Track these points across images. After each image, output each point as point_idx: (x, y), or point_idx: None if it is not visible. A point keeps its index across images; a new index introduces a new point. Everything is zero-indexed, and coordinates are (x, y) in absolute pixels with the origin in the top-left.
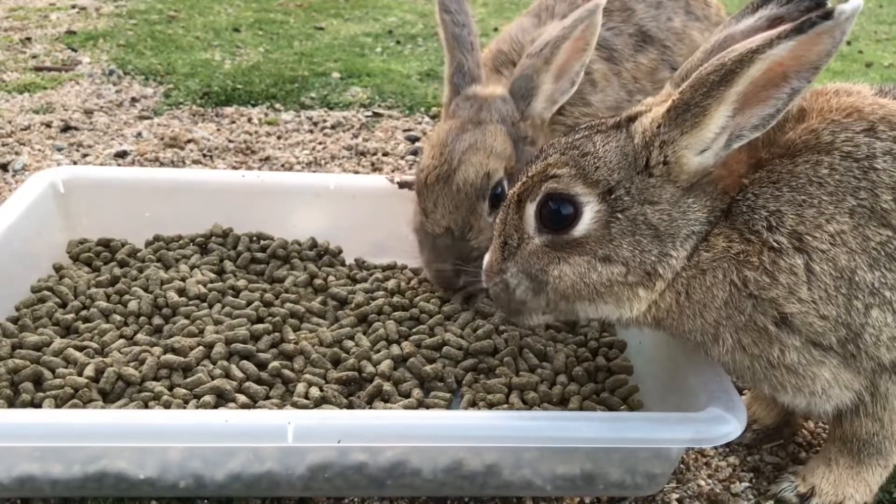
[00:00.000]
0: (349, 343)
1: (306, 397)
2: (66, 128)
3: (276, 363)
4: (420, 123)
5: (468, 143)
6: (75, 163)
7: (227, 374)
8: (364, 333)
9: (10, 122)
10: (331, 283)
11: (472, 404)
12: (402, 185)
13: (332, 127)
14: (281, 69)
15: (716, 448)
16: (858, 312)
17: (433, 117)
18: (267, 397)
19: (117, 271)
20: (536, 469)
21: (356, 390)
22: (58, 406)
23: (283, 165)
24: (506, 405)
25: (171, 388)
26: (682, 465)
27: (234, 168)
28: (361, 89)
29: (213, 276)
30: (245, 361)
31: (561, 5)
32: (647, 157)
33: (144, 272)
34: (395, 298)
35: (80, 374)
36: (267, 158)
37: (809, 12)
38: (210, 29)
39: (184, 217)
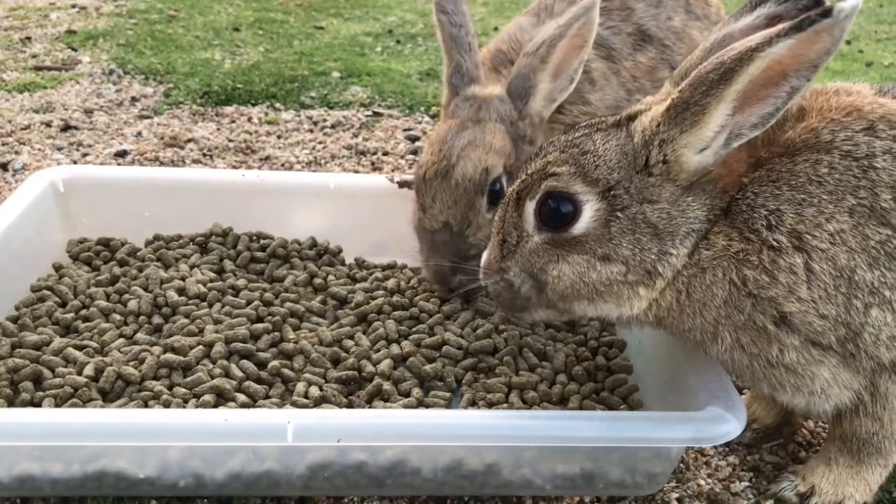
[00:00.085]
0: (349, 342)
1: (306, 397)
2: (66, 127)
3: (275, 362)
4: (420, 123)
5: (467, 140)
6: (75, 162)
7: (227, 374)
8: (364, 333)
9: (10, 122)
10: (330, 283)
11: (472, 403)
12: (401, 184)
13: (332, 126)
14: (281, 68)
15: (715, 447)
16: (858, 312)
17: (433, 117)
18: (267, 397)
19: (117, 270)
20: (536, 468)
21: (356, 390)
22: (57, 405)
23: (283, 165)
24: (505, 404)
25: (170, 388)
26: (681, 465)
27: (234, 167)
28: (361, 89)
29: (212, 275)
30: (245, 361)
31: (560, 4)
32: (647, 155)
33: (144, 271)
34: (395, 298)
35: (79, 374)
36: (267, 158)
37: (808, 10)
38: (210, 28)
39: (184, 216)
